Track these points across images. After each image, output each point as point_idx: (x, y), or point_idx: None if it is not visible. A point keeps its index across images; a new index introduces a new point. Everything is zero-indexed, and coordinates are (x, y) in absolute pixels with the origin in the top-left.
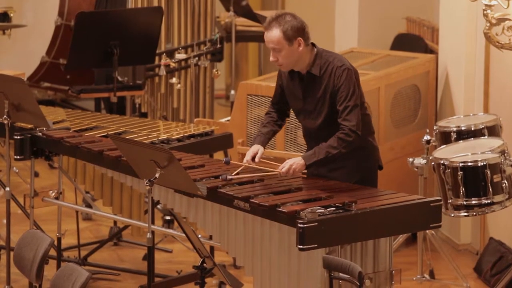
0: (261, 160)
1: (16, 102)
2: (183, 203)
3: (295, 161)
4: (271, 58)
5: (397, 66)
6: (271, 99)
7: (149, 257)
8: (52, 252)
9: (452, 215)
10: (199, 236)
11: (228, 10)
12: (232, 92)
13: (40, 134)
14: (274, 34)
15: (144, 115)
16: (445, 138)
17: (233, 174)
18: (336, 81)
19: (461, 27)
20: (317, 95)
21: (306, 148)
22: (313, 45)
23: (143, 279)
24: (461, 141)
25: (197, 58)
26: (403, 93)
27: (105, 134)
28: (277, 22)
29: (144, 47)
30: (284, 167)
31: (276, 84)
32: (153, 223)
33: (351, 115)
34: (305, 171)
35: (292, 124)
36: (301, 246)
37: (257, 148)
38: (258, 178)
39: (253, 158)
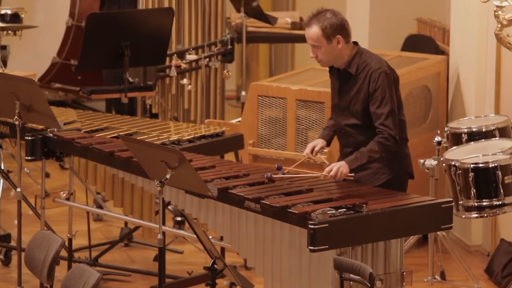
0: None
1: (27, 103)
2: (194, 204)
3: (341, 165)
4: (311, 55)
5: (408, 67)
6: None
7: (160, 258)
8: (63, 253)
9: (463, 216)
10: (210, 237)
11: (238, 11)
12: (243, 93)
13: (51, 135)
14: (313, 31)
15: (155, 116)
16: (456, 139)
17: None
18: (372, 84)
19: (472, 28)
20: (351, 93)
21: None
22: (355, 43)
23: (154, 280)
24: (472, 142)
25: (208, 59)
26: (414, 94)
27: (116, 135)
28: (317, 19)
29: (155, 48)
30: (331, 170)
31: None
32: (164, 224)
33: (389, 120)
34: (352, 174)
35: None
36: (312, 247)
37: (317, 142)
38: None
39: (313, 151)
